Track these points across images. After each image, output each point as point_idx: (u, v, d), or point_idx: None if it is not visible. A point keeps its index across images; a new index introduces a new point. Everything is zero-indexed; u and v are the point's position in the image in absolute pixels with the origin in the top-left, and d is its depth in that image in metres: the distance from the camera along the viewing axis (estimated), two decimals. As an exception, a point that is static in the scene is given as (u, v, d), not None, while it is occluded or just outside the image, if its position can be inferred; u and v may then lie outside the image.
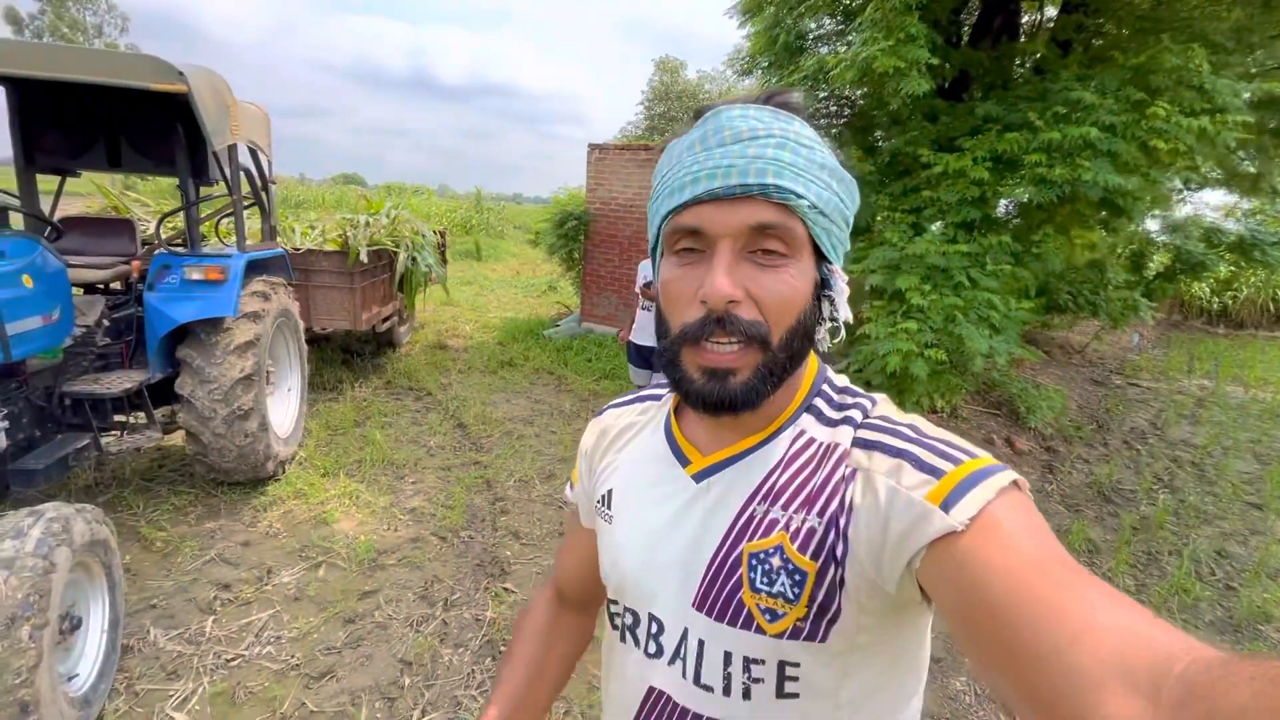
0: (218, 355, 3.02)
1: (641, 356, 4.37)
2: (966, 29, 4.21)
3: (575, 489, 0.80)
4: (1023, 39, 4.26)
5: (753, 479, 0.58)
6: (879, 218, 3.95)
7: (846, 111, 4.13)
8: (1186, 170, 3.75)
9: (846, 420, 0.58)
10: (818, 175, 0.54)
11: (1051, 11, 4.26)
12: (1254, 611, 2.98)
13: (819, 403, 0.61)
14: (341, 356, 6.17)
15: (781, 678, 0.55)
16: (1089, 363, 8.45)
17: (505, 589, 2.83)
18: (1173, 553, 3.57)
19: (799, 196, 0.52)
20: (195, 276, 3.02)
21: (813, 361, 0.63)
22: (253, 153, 3.77)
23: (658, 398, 0.74)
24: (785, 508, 0.55)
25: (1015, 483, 0.48)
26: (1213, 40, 3.44)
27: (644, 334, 4.31)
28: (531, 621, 0.83)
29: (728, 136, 0.53)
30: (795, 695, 0.56)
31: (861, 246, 4.04)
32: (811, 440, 0.58)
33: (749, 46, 4.58)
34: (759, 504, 0.57)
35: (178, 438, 3.43)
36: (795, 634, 0.54)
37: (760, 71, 4.62)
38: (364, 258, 4.83)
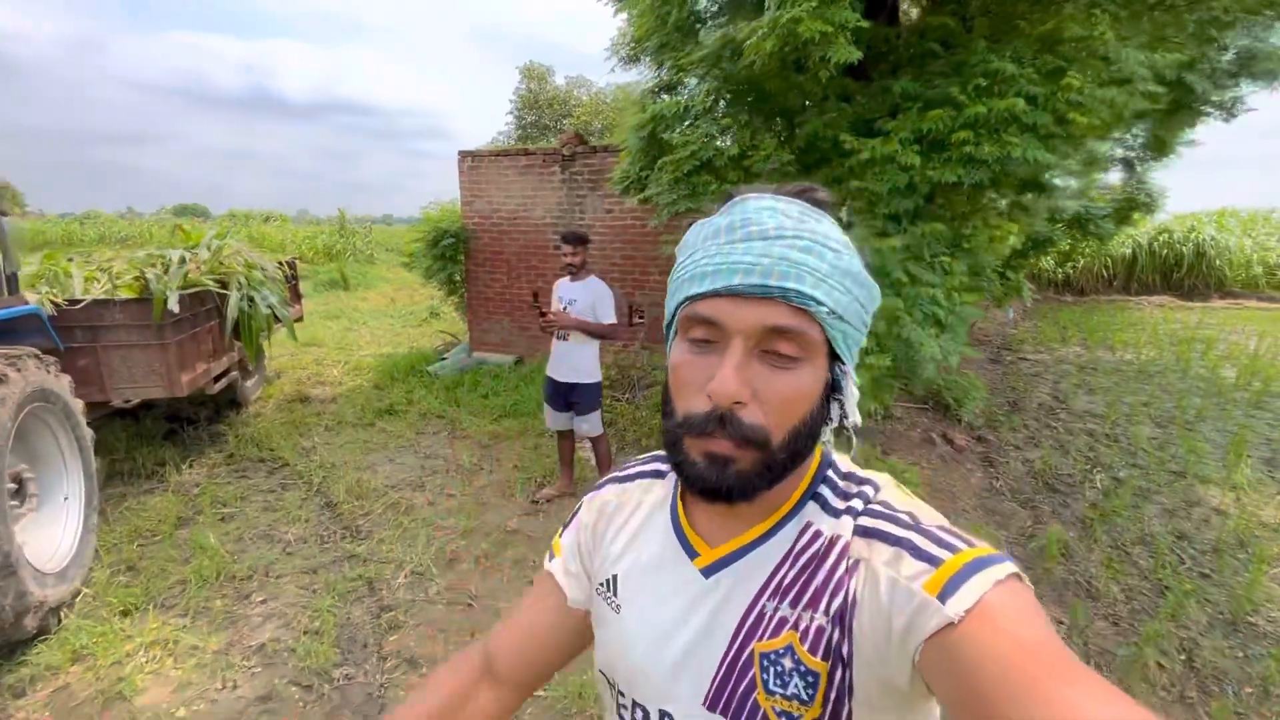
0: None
1: (559, 394, 3.66)
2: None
3: (557, 561, 0.75)
4: (917, 13, 4.02)
5: (760, 574, 0.57)
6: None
7: (750, 98, 3.67)
8: (1097, 141, 3.66)
9: (849, 510, 0.57)
10: (840, 281, 0.53)
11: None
12: (1244, 608, 2.80)
13: (824, 490, 0.60)
14: (166, 429, 4.91)
15: None
16: (977, 341, 8.77)
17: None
18: (1135, 542, 3.41)
19: (818, 303, 0.52)
20: None
21: (818, 449, 0.61)
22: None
23: (661, 474, 0.71)
24: (794, 605, 0.55)
25: (1014, 575, 0.48)
26: (1111, 9, 3.31)
27: (563, 367, 3.60)
28: (441, 685, 0.73)
29: (754, 232, 0.53)
30: None
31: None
32: (818, 533, 0.57)
33: (634, 30, 4.01)
34: (768, 600, 0.56)
35: None
36: None
37: (649, 57, 4.08)
38: (174, 306, 3.73)
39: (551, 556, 0.76)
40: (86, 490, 3.03)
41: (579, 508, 0.76)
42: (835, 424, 0.58)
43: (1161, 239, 13.92)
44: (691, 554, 0.62)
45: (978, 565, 0.48)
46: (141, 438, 4.66)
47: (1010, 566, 0.48)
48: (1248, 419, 5.43)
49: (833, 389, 0.57)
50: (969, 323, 3.69)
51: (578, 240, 3.55)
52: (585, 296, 3.54)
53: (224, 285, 4.59)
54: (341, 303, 12.15)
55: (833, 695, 0.52)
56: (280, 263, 5.96)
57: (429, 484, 4.08)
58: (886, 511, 0.56)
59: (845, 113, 3.46)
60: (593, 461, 4.40)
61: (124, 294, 3.75)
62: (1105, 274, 14.40)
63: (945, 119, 3.13)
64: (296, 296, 6.57)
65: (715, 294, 0.53)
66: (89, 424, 3.21)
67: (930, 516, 0.55)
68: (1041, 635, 0.44)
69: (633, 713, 0.64)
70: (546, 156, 6.23)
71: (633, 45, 4.15)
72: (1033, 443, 4.94)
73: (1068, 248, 13.55)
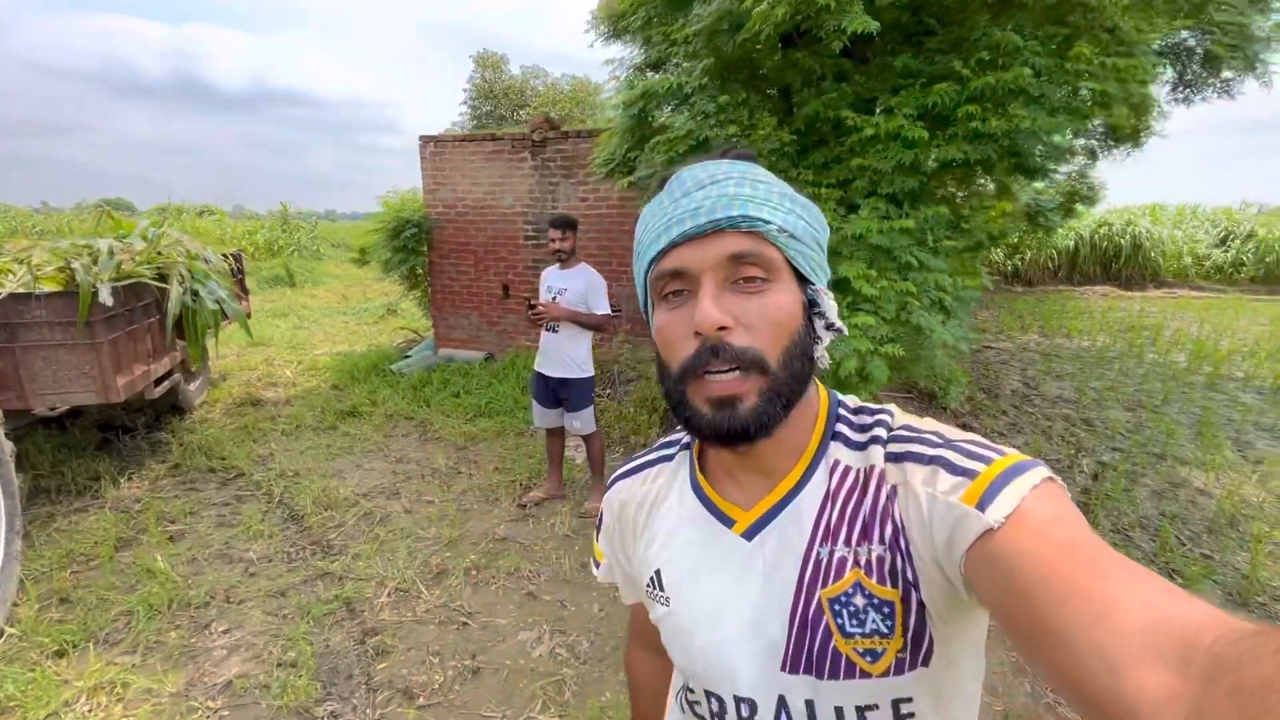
0: None
1: (549, 390, 3.41)
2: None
3: (604, 566, 0.77)
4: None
5: (805, 523, 0.57)
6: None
7: (744, 76, 3.50)
8: (1104, 116, 3.65)
9: (873, 440, 0.57)
10: (780, 202, 0.56)
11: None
12: (1253, 590, 2.81)
13: (842, 428, 0.60)
14: (99, 438, 4.41)
15: (897, 715, 0.54)
16: (943, 331, 8.90)
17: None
18: (1133, 526, 3.41)
19: (766, 222, 0.54)
20: None
21: (821, 389, 0.63)
22: None
23: (669, 458, 0.70)
24: (848, 543, 0.55)
25: (1049, 478, 0.48)
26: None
27: (554, 361, 3.36)
28: (639, 676, 0.83)
29: (690, 185, 0.57)
30: None
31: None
32: (848, 469, 0.58)
33: (618, 2, 3.78)
34: (821, 546, 0.56)
35: None
36: (900, 668, 0.53)
37: (634, 32, 3.85)
38: (106, 299, 3.30)
39: (597, 563, 0.78)
40: (7, 511, 2.63)
41: (602, 512, 0.76)
42: (825, 341, 0.59)
43: (1101, 231, 14.55)
44: (727, 522, 0.61)
45: (1013, 472, 0.48)
46: (70, 449, 4.16)
47: (1044, 471, 0.49)
48: (1207, 401, 5.63)
49: (811, 307, 0.58)
50: (970, 308, 3.63)
51: (566, 225, 3.31)
52: (576, 285, 3.30)
53: (163, 278, 4.14)
54: (289, 300, 11.46)
55: (911, 621, 0.52)
56: (225, 255, 5.48)
57: (404, 490, 3.77)
58: (913, 434, 0.56)
59: (845, 92, 3.33)
60: (578, 460, 4.18)
61: (46, 286, 3.30)
62: (1050, 265, 14.98)
63: (950, 93, 3.03)
64: (244, 292, 6.07)
65: (673, 245, 0.56)
66: (8, 435, 2.79)
67: (955, 432, 0.55)
68: (1079, 534, 0.44)
69: (707, 705, 0.63)
70: (515, 142, 5.93)
71: (615, 21, 3.92)
72: (1015, 429, 4.96)
73: (1016, 240, 14.04)
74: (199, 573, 2.88)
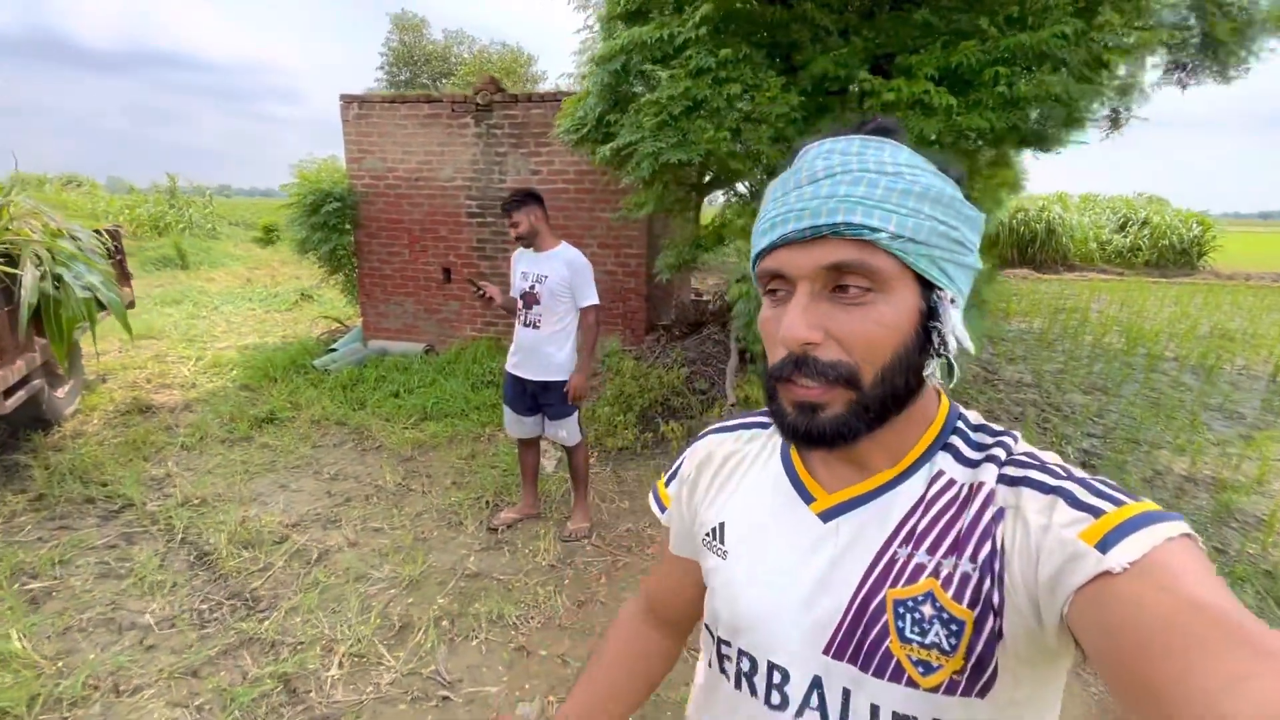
0: None
1: (526, 395, 2.90)
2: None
3: (668, 511, 0.75)
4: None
5: (890, 521, 0.55)
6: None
7: (743, 26, 3.06)
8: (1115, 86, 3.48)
9: (989, 459, 0.54)
10: (900, 204, 0.50)
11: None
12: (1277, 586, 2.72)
13: (956, 441, 0.57)
14: (-70, 462, 3.47)
15: None
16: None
17: None
18: (1139, 519, 3.31)
19: (874, 230, 0.49)
20: None
21: (944, 400, 0.59)
22: None
23: (765, 425, 0.69)
24: (931, 552, 0.52)
25: (1188, 535, 0.43)
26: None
27: (533, 362, 2.84)
28: (619, 636, 0.81)
29: (804, 178, 0.53)
30: None
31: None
32: (952, 481, 0.54)
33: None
34: (900, 547, 0.54)
35: None
36: (952, 689, 0.50)
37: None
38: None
39: (663, 507, 0.76)
40: None
41: (681, 459, 0.75)
42: (939, 355, 0.53)
43: (1019, 217, 15.28)
44: (807, 498, 0.60)
45: (1147, 519, 0.44)
46: (-114, 481, 3.23)
47: (1184, 526, 0.44)
48: (1152, 382, 5.81)
49: (930, 316, 0.53)
50: (976, 299, 3.39)
51: (520, 202, 2.76)
52: (558, 270, 2.78)
53: (11, 260, 3.25)
54: (182, 284, 10.09)
55: (978, 645, 0.49)
56: (99, 231, 4.51)
57: (345, 517, 3.14)
58: (1035, 461, 0.53)
59: (856, 48, 2.95)
60: (548, 469, 3.68)
61: None
62: (974, 248, 15.59)
63: (977, 53, 2.72)
64: (125, 276, 5.08)
65: (774, 246, 0.54)
66: None
67: (1081, 471, 0.52)
68: (1213, 594, 0.39)
69: (737, 663, 0.62)
70: (456, 105, 5.23)
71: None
72: (990, 416, 4.87)
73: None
74: (73, 650, 2.19)
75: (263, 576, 2.63)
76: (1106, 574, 0.42)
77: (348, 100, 5.43)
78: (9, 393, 3.22)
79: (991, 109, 2.78)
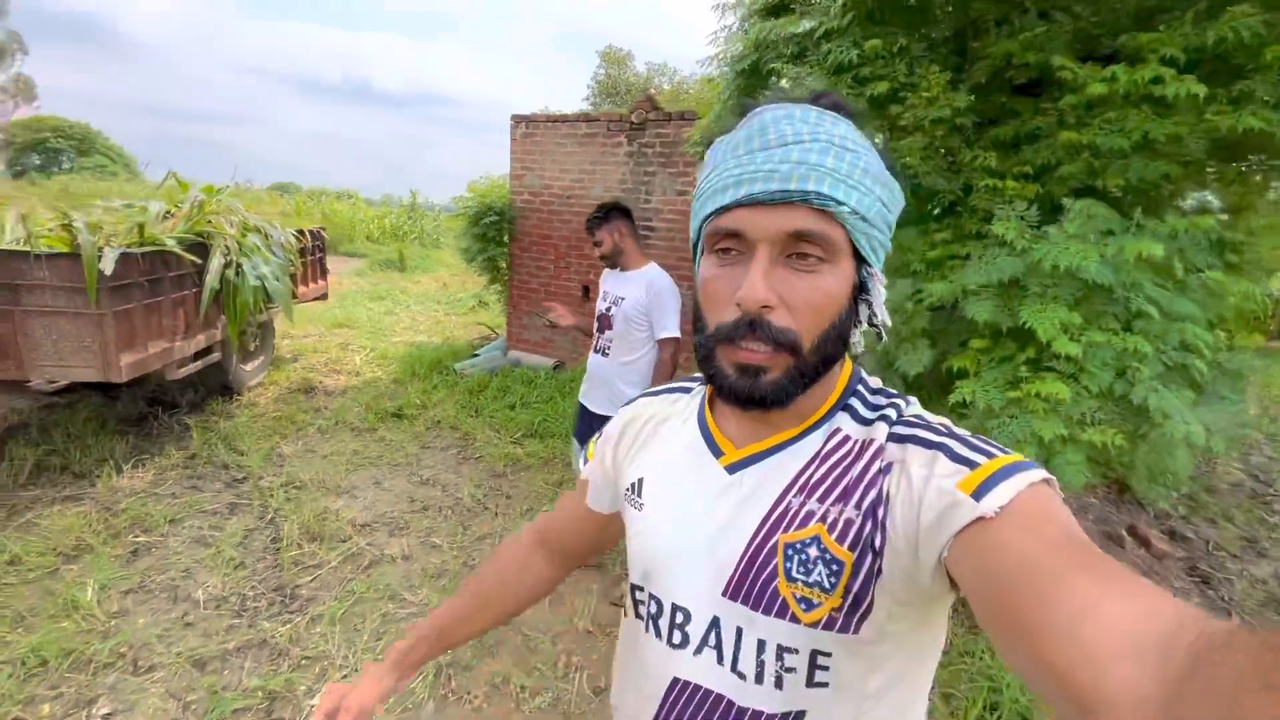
0: None
1: (593, 429, 2.58)
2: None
3: (590, 465, 0.80)
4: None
5: (788, 472, 0.59)
6: (977, 193, 2.28)
7: (900, 13, 2.46)
8: None
9: (882, 418, 0.58)
10: (860, 181, 0.53)
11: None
12: None
13: (854, 401, 0.61)
14: (142, 411, 4.15)
15: (813, 667, 0.56)
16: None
17: None
18: None
19: (839, 203, 0.52)
20: None
21: (847, 363, 0.63)
22: None
23: (688, 389, 0.74)
24: (822, 500, 0.56)
25: (1047, 480, 0.49)
26: None
27: (600, 393, 2.54)
28: (503, 555, 0.86)
29: (772, 139, 0.53)
30: (825, 685, 0.56)
31: (941, 244, 2.37)
32: (847, 438, 0.58)
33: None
34: (794, 496, 0.58)
35: None
36: (830, 624, 0.54)
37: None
38: (107, 266, 2.87)
39: (585, 460, 0.81)
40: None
41: (611, 421, 0.78)
42: (864, 325, 0.59)
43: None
44: (716, 453, 0.63)
45: (1014, 469, 0.48)
46: (102, 423, 3.89)
47: (1043, 472, 0.48)
48: None
49: (861, 290, 0.57)
50: (1246, 380, 2.35)
51: (605, 217, 2.47)
52: (635, 294, 2.44)
53: (205, 250, 3.77)
54: (392, 284, 11.58)
55: (855, 585, 0.53)
56: (301, 232, 5.17)
57: (413, 526, 3.08)
58: (921, 422, 0.56)
59: (1060, 29, 2.20)
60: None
61: (54, 247, 2.93)
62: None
63: (1254, 25, 1.84)
64: (321, 272, 5.80)
65: (737, 204, 0.54)
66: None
67: (963, 430, 0.55)
68: (1070, 533, 0.44)
69: (648, 606, 0.66)
70: (612, 124, 5.17)
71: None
72: (1254, 549, 3.47)
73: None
74: (129, 612, 2.32)
75: (312, 574, 2.62)
76: (981, 519, 0.46)
77: (517, 120, 5.67)
78: (184, 362, 3.70)
79: (1273, 105, 1.87)
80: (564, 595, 2.60)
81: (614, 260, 2.52)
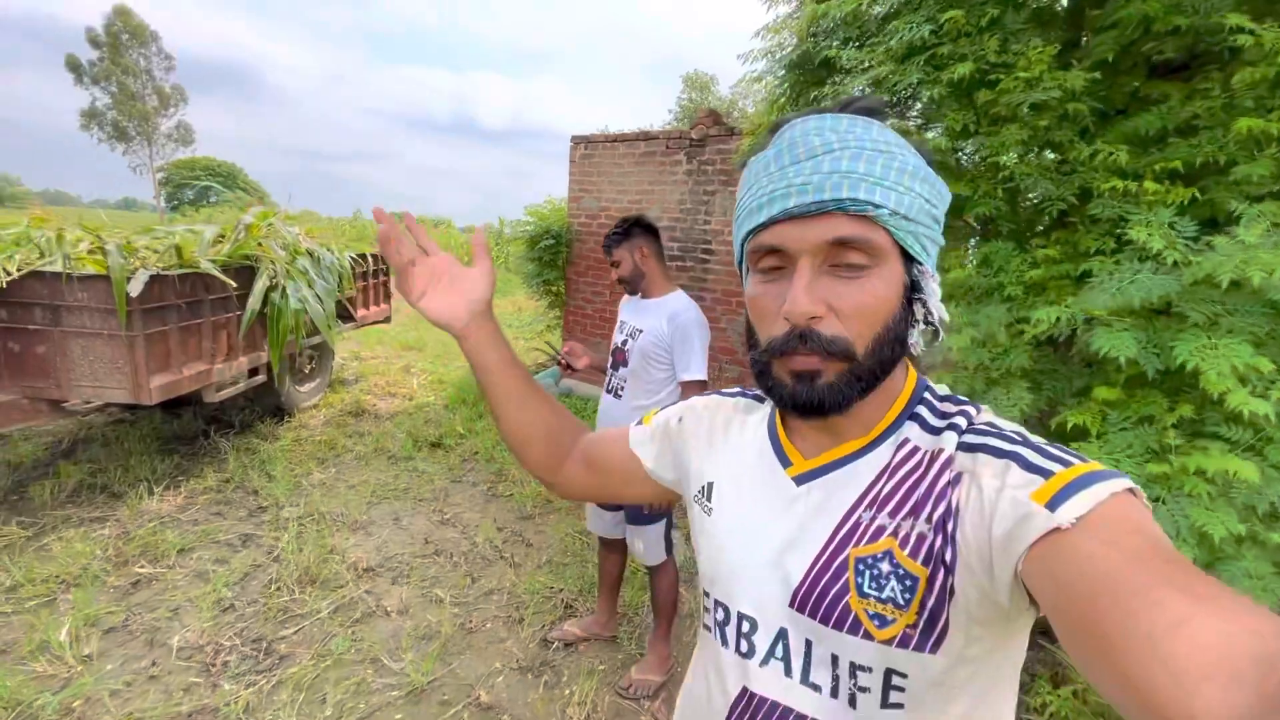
0: None
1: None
2: None
3: (644, 428, 0.79)
4: None
5: (857, 485, 0.58)
6: (1100, 198, 1.72)
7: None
8: None
9: (951, 427, 0.57)
10: (897, 182, 0.53)
11: None
12: None
13: (922, 410, 0.60)
14: (199, 428, 4.21)
15: (887, 687, 0.54)
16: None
17: None
18: None
19: (877, 207, 0.52)
20: None
21: (911, 372, 0.62)
22: None
23: (761, 399, 0.73)
24: (893, 515, 0.55)
25: (1131, 489, 0.46)
26: None
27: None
28: (564, 412, 0.85)
29: (802, 153, 0.54)
30: (900, 706, 0.54)
31: (1047, 263, 1.82)
32: (916, 448, 0.57)
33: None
34: (865, 510, 0.57)
35: None
36: (904, 642, 0.53)
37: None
38: (135, 289, 2.85)
39: (640, 424, 0.80)
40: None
41: (675, 407, 0.79)
42: (921, 325, 0.57)
43: None
44: (785, 463, 0.63)
45: (1093, 478, 0.45)
46: (152, 441, 3.96)
47: (1127, 481, 0.46)
48: None
49: (913, 290, 0.56)
50: None
51: (619, 237, 2.12)
52: (657, 325, 2.06)
53: (252, 272, 3.77)
54: (469, 307, 11.77)
55: (930, 601, 0.52)
56: (362, 255, 5.20)
57: (418, 573, 2.80)
58: (993, 430, 0.55)
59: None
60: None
61: (86, 267, 2.95)
62: None
63: None
64: (384, 295, 5.83)
65: (774, 221, 0.54)
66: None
67: (1038, 437, 0.53)
68: (1157, 544, 0.41)
69: (714, 614, 0.66)
70: (671, 141, 4.86)
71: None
72: None
73: None
74: (101, 655, 2.16)
75: (297, 625, 2.39)
76: (1056, 530, 0.43)
77: (576, 141, 5.49)
78: (223, 386, 3.69)
79: None
80: (561, 674, 2.21)
81: (634, 285, 2.16)
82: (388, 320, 6.06)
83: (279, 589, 2.58)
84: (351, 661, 2.22)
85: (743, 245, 0.59)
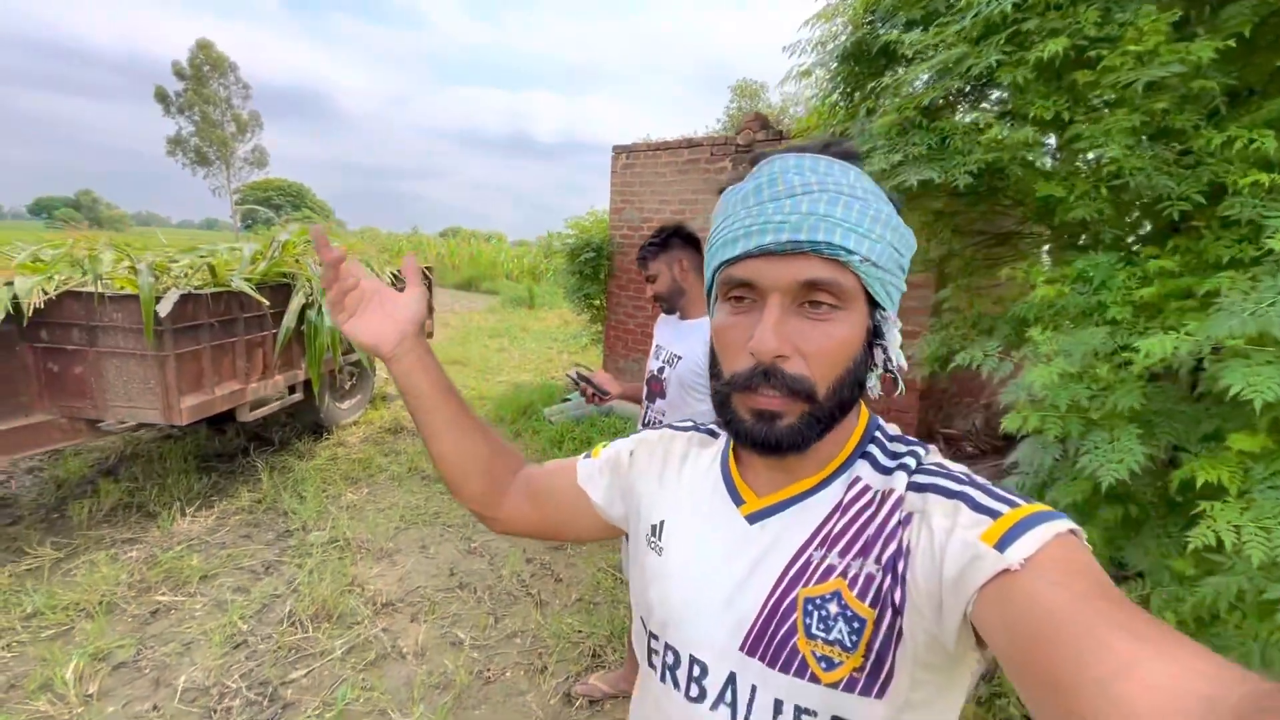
0: None
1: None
2: None
3: (592, 461, 0.77)
4: None
5: (808, 524, 0.58)
6: (1235, 197, 1.39)
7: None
8: None
9: (901, 467, 0.57)
10: (870, 230, 0.53)
11: None
12: None
13: (873, 449, 0.60)
14: (240, 445, 4.23)
15: None
16: None
17: None
18: None
19: (850, 253, 0.52)
20: None
21: (864, 410, 0.63)
22: None
23: (715, 434, 0.72)
24: (843, 555, 0.55)
25: (1074, 530, 0.47)
26: None
27: None
28: (504, 444, 0.82)
29: (781, 190, 0.54)
30: None
31: (1162, 277, 1.49)
32: (867, 488, 0.57)
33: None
34: (815, 549, 0.56)
35: None
36: (851, 685, 0.52)
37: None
38: (164, 309, 2.82)
39: (588, 456, 0.78)
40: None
41: (632, 437, 0.78)
42: (880, 370, 0.58)
43: None
44: (738, 501, 0.63)
45: (1038, 519, 0.46)
46: (190, 459, 3.97)
47: (1070, 522, 0.46)
48: None
49: (875, 335, 0.57)
50: None
51: (655, 249, 1.88)
52: (697, 350, 1.81)
53: (289, 290, 3.74)
54: (515, 321, 11.83)
55: (877, 643, 0.51)
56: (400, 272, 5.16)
57: (438, 610, 2.63)
58: (941, 470, 0.55)
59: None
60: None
61: (122, 287, 2.94)
62: None
63: None
64: (427, 311, 5.79)
65: (749, 255, 0.54)
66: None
67: (984, 478, 0.54)
68: (1101, 586, 0.42)
69: (664, 656, 0.64)
70: (715, 148, 4.63)
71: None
72: None
73: None
74: (105, 694, 2.06)
75: (307, 666, 2.24)
76: (1006, 571, 0.43)
77: (618, 151, 5.33)
78: (258, 404, 3.66)
79: None
80: (587, 741, 1.98)
81: (671, 303, 1.92)
82: (430, 335, 6.03)
83: (294, 625, 2.45)
84: (358, 714, 2.05)
85: (714, 274, 0.58)
